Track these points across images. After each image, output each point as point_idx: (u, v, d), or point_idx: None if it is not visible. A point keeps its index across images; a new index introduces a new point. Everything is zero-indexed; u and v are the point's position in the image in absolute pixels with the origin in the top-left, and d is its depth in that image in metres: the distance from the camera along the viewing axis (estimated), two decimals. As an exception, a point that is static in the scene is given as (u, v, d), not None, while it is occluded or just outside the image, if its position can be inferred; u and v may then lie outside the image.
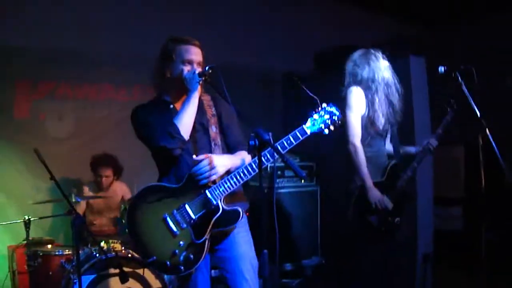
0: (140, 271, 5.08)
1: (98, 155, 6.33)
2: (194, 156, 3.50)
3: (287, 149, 3.40)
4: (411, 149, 5.08)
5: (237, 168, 3.51)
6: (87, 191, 6.25)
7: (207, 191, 3.49)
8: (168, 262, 3.47)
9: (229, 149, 3.77)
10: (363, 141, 4.80)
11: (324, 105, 3.51)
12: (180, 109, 3.56)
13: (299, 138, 3.43)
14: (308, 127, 3.45)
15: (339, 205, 5.23)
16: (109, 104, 6.99)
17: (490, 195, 4.22)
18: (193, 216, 3.48)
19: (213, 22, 7.09)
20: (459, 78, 3.93)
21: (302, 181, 6.60)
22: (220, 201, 3.49)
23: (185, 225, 3.48)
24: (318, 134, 3.49)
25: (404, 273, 6.02)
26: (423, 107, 6.26)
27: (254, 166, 3.42)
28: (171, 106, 3.70)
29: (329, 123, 3.47)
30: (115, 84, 7.06)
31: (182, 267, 3.47)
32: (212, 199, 3.48)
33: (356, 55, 5.02)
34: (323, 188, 6.87)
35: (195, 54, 3.62)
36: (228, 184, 3.47)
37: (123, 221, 5.54)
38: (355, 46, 6.64)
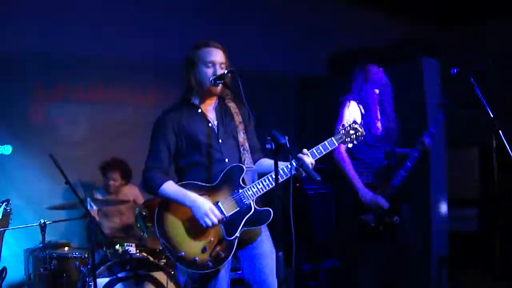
0: (155, 274, 5.12)
1: (106, 160, 6.39)
2: None
3: (316, 158, 3.58)
4: (407, 150, 5.15)
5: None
6: (97, 196, 6.27)
7: (240, 191, 3.57)
8: (196, 258, 3.52)
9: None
10: (359, 149, 4.98)
11: (349, 122, 3.79)
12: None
13: (328, 149, 3.65)
14: (337, 139, 3.69)
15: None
16: (124, 107, 7.02)
17: (504, 196, 4.21)
18: (226, 214, 3.54)
19: (227, 27, 7.11)
20: (471, 79, 3.93)
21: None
22: (253, 201, 3.57)
23: (217, 223, 3.54)
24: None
25: (418, 275, 6.02)
26: (436, 109, 6.24)
27: (286, 171, 3.51)
28: (199, 110, 3.74)
29: (354, 138, 3.74)
30: (130, 88, 7.09)
31: (210, 264, 3.53)
32: (245, 199, 3.56)
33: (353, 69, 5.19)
34: (337, 190, 6.86)
35: (216, 55, 3.63)
36: (261, 185, 3.57)
37: (138, 225, 5.56)
38: (369, 49, 6.66)
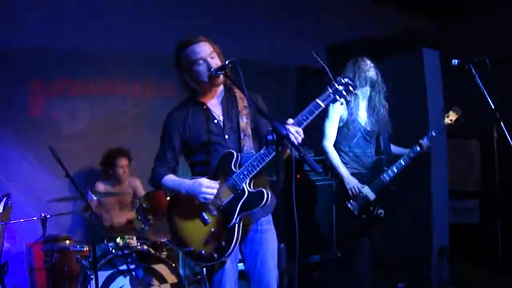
0: (156, 266, 5.13)
1: (112, 148, 6.37)
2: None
3: (303, 125, 3.36)
4: (404, 151, 5.20)
5: None
6: (100, 188, 6.27)
7: (233, 176, 3.53)
8: (202, 251, 3.55)
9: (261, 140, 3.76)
10: (348, 141, 5.12)
11: (338, 78, 3.49)
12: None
13: (314, 113, 3.40)
14: (322, 99, 3.43)
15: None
16: (123, 100, 7.01)
17: (505, 188, 4.21)
18: (222, 202, 3.53)
19: (226, 18, 7.10)
20: (473, 70, 3.91)
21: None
22: (246, 184, 3.52)
23: (215, 212, 3.54)
24: (334, 104, 3.55)
25: (419, 266, 6.03)
26: (437, 100, 6.23)
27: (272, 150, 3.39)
28: (205, 107, 3.74)
29: (345, 93, 3.45)
30: (129, 80, 7.08)
31: (215, 255, 3.52)
32: (238, 183, 3.52)
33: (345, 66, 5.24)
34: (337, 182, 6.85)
35: (202, 50, 3.61)
36: (251, 167, 3.50)
37: (139, 217, 5.55)
38: (369, 40, 6.64)
